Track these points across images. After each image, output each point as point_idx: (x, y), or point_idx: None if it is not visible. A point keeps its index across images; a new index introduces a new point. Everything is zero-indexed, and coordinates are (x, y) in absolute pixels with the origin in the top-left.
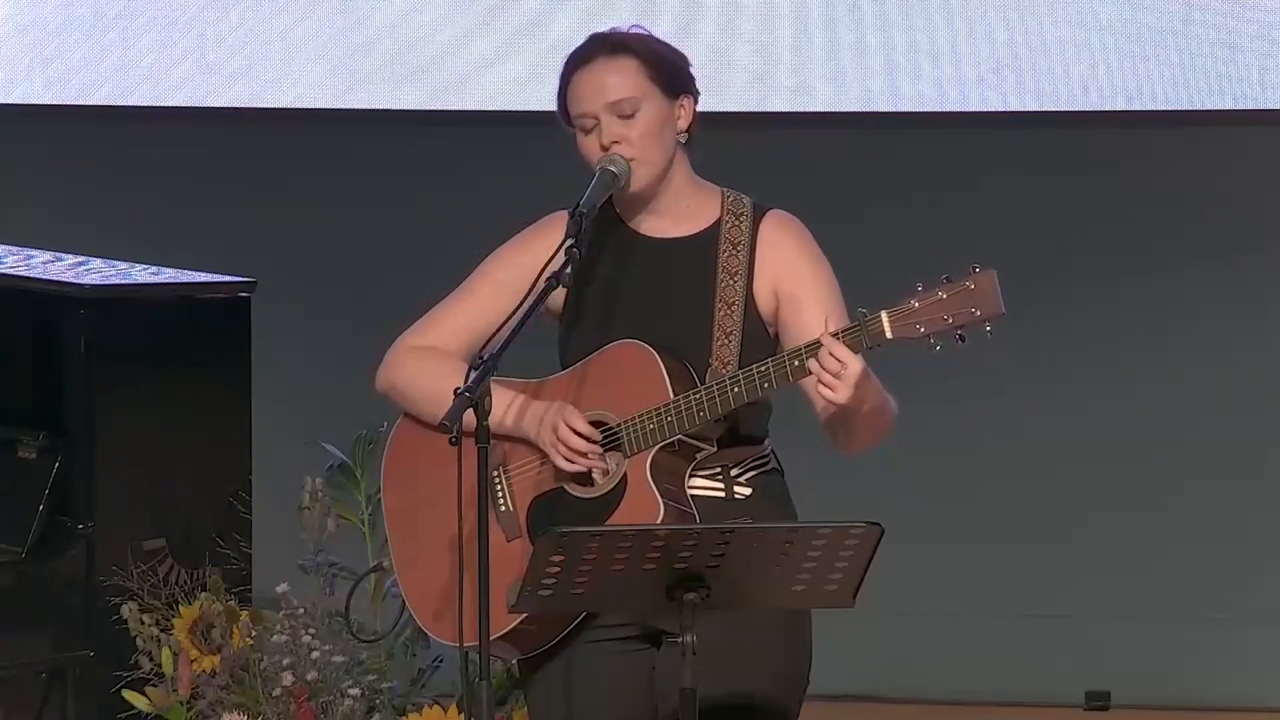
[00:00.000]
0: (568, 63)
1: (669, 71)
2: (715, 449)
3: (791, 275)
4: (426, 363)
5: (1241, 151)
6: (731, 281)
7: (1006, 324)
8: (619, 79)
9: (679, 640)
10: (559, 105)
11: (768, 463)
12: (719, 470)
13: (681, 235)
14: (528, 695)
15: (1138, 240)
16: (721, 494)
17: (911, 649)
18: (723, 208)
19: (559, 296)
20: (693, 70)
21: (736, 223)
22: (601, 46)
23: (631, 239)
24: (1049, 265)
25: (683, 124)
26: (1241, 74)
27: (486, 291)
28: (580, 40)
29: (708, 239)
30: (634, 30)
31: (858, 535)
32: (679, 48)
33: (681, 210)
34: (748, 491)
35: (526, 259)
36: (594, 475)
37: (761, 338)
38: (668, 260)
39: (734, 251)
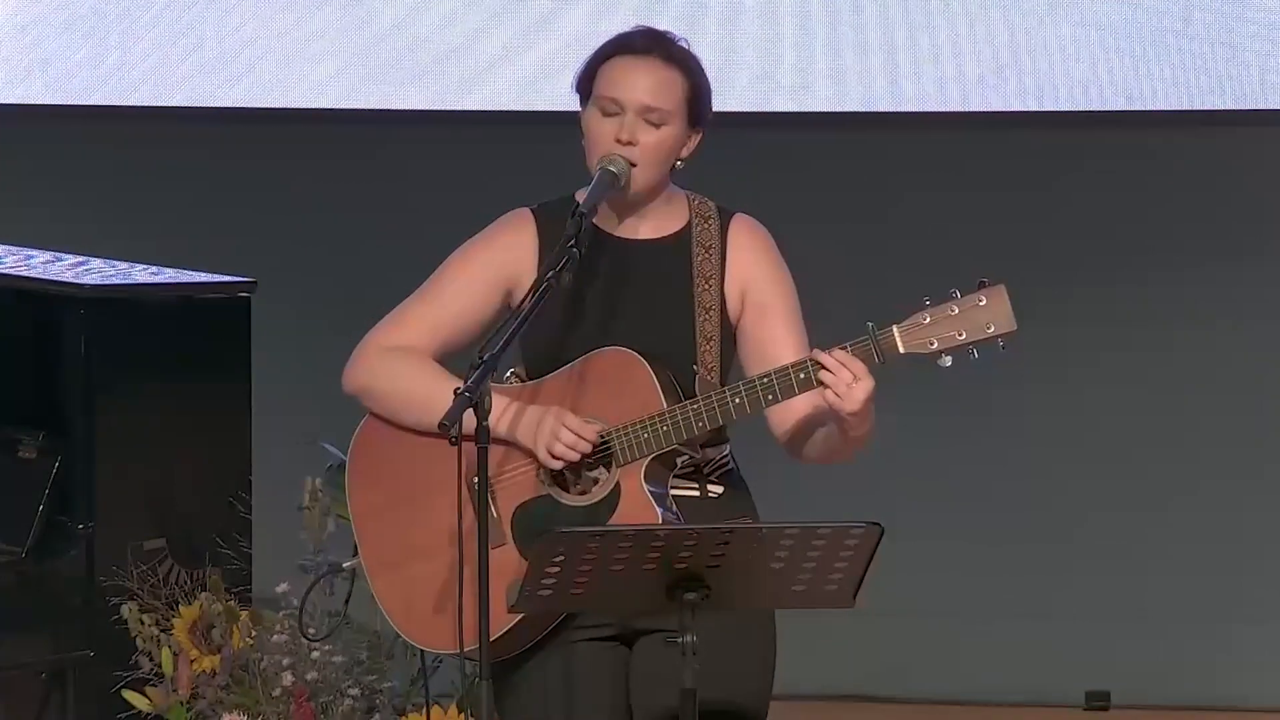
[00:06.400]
0: (616, 42)
1: (701, 104)
2: (700, 454)
3: (760, 284)
4: (405, 364)
5: (1241, 151)
6: (707, 285)
7: (1005, 351)
8: (664, 90)
9: (678, 640)
10: (583, 74)
11: (729, 460)
12: (692, 471)
13: (653, 237)
14: (502, 696)
15: (1138, 240)
16: (696, 493)
17: (911, 649)
18: (690, 210)
19: (517, 292)
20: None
21: (706, 225)
22: (659, 48)
23: (606, 241)
24: (1049, 265)
25: (686, 153)
26: (1241, 74)
27: (455, 290)
28: (589, 38)
29: (681, 242)
30: (682, 44)
31: (858, 535)
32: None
33: (653, 213)
34: (719, 489)
35: (493, 257)
36: (585, 481)
37: (732, 341)
38: (644, 263)
39: (707, 255)
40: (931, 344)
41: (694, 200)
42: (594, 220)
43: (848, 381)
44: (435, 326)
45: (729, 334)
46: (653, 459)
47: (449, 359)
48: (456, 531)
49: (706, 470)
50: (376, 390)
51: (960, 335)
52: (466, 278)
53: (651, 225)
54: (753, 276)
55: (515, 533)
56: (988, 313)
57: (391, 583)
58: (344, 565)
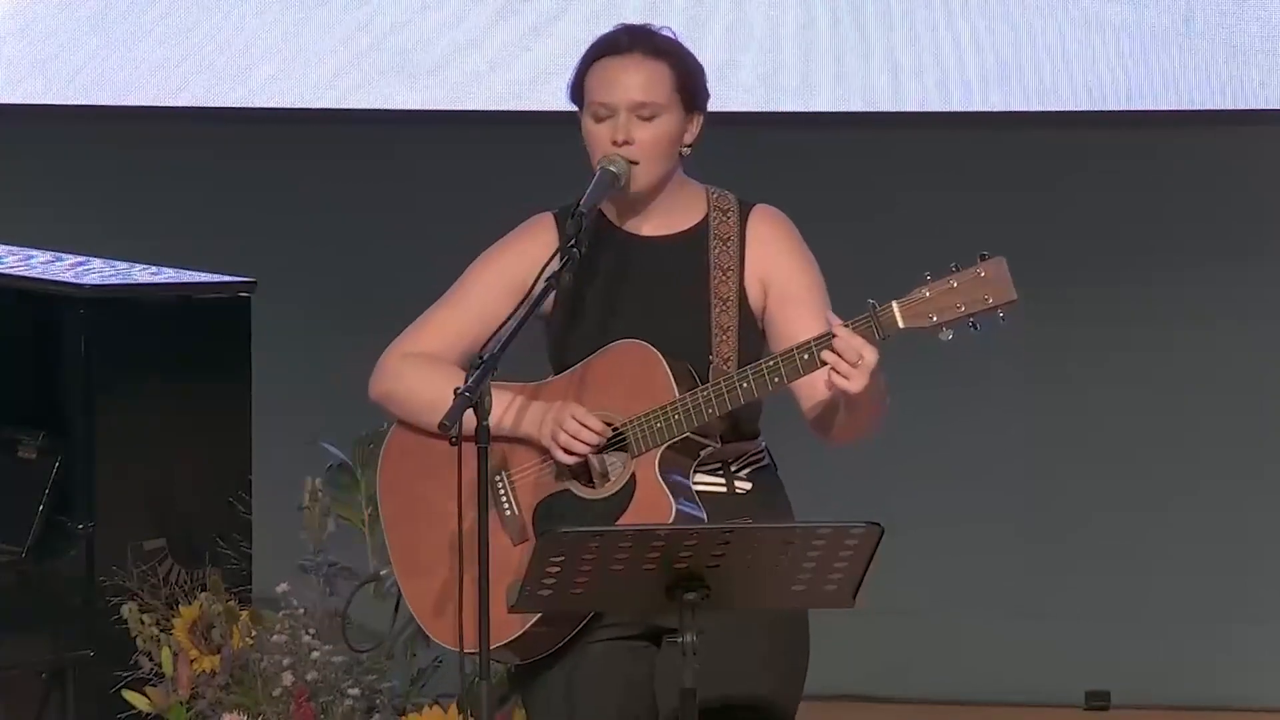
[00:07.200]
0: (598, 46)
1: (694, 88)
2: (719, 445)
3: (781, 272)
4: (423, 369)
5: (1242, 151)
6: (724, 277)
7: (1005, 323)
8: (650, 83)
9: (678, 640)
10: (574, 82)
11: (763, 458)
12: (719, 466)
13: (671, 233)
14: (527, 696)
15: (1138, 240)
16: (723, 489)
17: (911, 649)
18: (709, 204)
19: (548, 299)
20: (709, 87)
21: (724, 218)
22: (640, 44)
23: (621, 239)
24: (1052, 265)
25: (689, 139)
26: (1241, 74)
27: (477, 295)
28: (589, 37)
29: (698, 236)
30: (666, 33)
31: (858, 535)
32: (694, 51)
33: (670, 209)
34: (748, 486)
35: (514, 261)
36: (601, 475)
37: (755, 332)
38: (660, 259)
39: (724, 247)
40: (931, 318)
41: (713, 194)
42: (610, 219)
43: (853, 360)
44: (458, 332)
45: (750, 325)
46: (671, 449)
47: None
48: (474, 532)
49: (735, 466)
50: (397, 396)
51: (960, 308)
52: (487, 283)
53: (667, 221)
54: (772, 267)
55: (537, 529)
56: (987, 284)
57: (418, 585)
58: (381, 573)
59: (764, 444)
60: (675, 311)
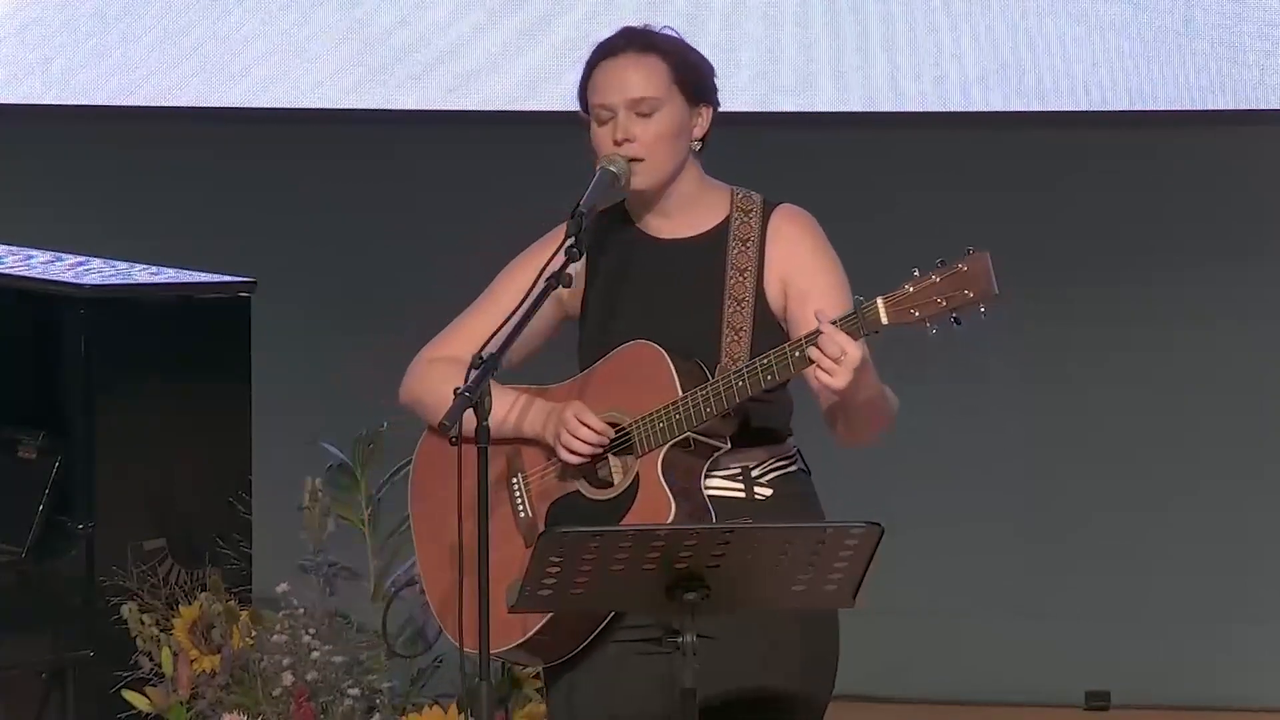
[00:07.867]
0: (596, 50)
1: (695, 79)
2: (730, 447)
3: (800, 270)
4: (446, 373)
5: (1242, 151)
6: (741, 278)
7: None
8: (644, 78)
9: (678, 640)
10: (579, 90)
11: (792, 462)
12: (739, 471)
13: (691, 235)
14: (549, 697)
15: (1139, 240)
16: (742, 494)
17: (911, 649)
18: (732, 205)
19: (576, 300)
20: (716, 81)
21: (746, 219)
22: (634, 42)
23: (642, 241)
24: (1052, 265)
25: (698, 132)
26: (1241, 74)
27: (508, 300)
28: (589, 38)
29: (717, 237)
30: (666, 31)
31: (857, 535)
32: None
33: (691, 211)
34: (768, 492)
35: (540, 264)
36: (612, 475)
37: (774, 333)
38: (677, 260)
39: (743, 248)
40: (914, 313)
41: (738, 195)
42: (631, 221)
43: (835, 356)
44: (485, 336)
45: (767, 325)
46: (679, 450)
47: (503, 371)
48: (494, 533)
49: (757, 471)
50: (424, 400)
51: (940, 302)
52: (517, 288)
53: (687, 222)
54: (792, 267)
55: None
56: (968, 279)
57: (437, 586)
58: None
59: (795, 448)
60: (682, 312)
